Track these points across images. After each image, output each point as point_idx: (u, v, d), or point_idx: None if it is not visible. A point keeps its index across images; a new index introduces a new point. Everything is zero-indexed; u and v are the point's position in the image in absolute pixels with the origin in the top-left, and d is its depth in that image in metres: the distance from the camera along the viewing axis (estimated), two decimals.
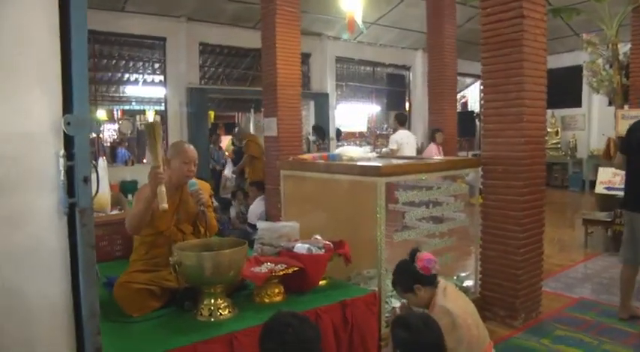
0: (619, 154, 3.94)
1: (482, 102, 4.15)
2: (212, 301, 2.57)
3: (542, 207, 4.05)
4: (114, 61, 8.59)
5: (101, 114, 9.53)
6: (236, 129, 8.58)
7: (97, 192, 1.62)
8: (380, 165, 3.36)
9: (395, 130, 8.06)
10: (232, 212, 7.50)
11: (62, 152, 1.45)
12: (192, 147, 2.95)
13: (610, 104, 9.85)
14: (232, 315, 2.58)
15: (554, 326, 3.91)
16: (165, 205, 2.61)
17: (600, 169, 6.94)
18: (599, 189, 6.75)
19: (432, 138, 8.06)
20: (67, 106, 1.46)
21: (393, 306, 3.23)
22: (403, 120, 8.26)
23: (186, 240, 2.85)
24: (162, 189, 2.64)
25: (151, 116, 9.74)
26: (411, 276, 2.55)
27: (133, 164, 8.52)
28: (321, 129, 9.70)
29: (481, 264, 4.14)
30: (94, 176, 1.51)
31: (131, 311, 2.60)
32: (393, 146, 7.46)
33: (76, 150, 1.46)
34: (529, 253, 3.94)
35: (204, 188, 2.97)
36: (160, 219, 2.82)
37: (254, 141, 7.99)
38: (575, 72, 11.21)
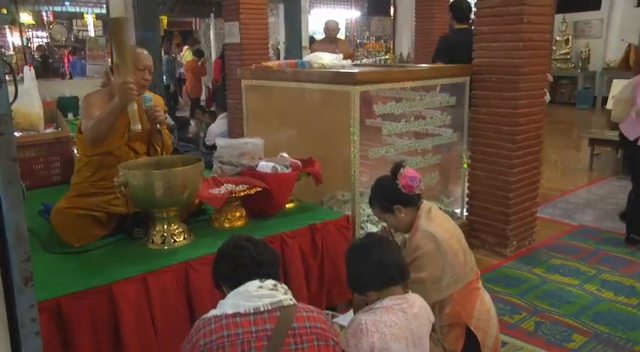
0: None
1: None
2: (165, 227, 2.58)
3: (541, 123, 4.07)
4: None
5: (26, 17, 9.07)
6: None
7: (15, 97, 1.56)
8: (355, 71, 3.31)
9: None
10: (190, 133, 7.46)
11: None
12: (146, 52, 2.85)
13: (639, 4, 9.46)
14: (188, 242, 2.60)
15: (548, 254, 4.04)
16: (138, 126, 2.61)
17: (615, 82, 6.87)
18: (612, 104, 6.72)
19: None
20: None
21: (368, 232, 3.27)
22: None
23: None
24: (135, 107, 2.61)
25: (90, 20, 9.31)
26: (390, 195, 2.51)
27: (70, 78, 8.23)
28: None
29: (468, 185, 4.21)
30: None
31: (72, 241, 2.58)
32: None
33: None
34: (523, 173, 4.00)
35: (157, 103, 2.90)
36: (111, 136, 2.76)
37: None
38: None
